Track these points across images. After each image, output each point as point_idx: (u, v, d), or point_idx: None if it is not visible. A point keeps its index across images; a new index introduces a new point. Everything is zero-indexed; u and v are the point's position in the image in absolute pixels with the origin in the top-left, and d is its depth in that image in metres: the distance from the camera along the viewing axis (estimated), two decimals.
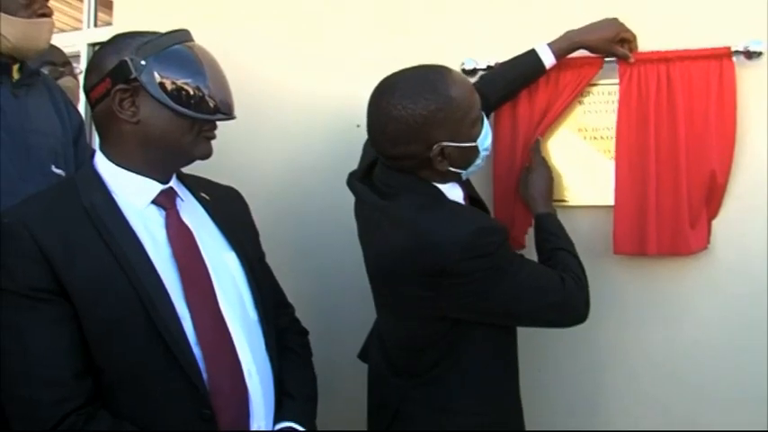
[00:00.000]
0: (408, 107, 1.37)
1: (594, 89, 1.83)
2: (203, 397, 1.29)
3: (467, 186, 1.59)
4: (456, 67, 1.69)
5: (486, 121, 1.49)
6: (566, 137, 1.85)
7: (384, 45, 1.92)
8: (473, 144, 1.45)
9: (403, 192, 1.45)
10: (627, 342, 1.85)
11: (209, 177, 1.57)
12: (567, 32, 1.75)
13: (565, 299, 1.47)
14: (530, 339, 1.67)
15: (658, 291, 1.82)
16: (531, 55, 1.74)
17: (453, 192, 1.52)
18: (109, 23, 2.81)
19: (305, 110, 2.03)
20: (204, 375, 1.29)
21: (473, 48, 1.81)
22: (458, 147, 1.42)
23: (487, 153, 1.52)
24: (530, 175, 1.75)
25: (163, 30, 1.35)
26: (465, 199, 1.57)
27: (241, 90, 1.88)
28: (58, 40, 2.46)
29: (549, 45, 1.74)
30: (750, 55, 1.67)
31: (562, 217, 1.72)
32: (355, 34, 1.99)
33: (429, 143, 1.39)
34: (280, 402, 1.45)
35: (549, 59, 1.73)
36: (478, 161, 1.49)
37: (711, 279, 1.78)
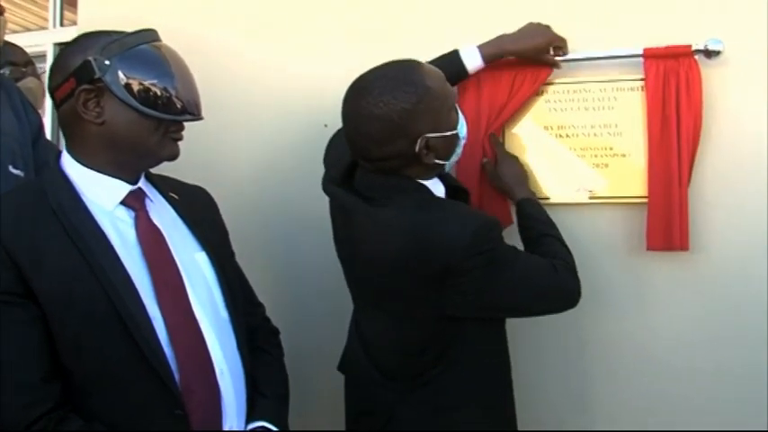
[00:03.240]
0: (390, 103, 1.36)
1: (559, 87, 1.84)
2: (175, 397, 1.28)
3: (446, 177, 1.59)
4: None
5: (458, 110, 1.49)
6: (534, 135, 1.87)
7: (352, 43, 1.91)
8: (454, 132, 1.45)
9: (392, 195, 1.43)
10: (615, 337, 1.86)
11: (179, 177, 1.56)
12: (500, 37, 1.76)
13: (559, 285, 1.49)
14: (516, 336, 1.67)
15: (644, 286, 1.83)
16: (454, 57, 1.74)
17: (437, 188, 1.51)
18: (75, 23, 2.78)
19: (274, 109, 2.01)
20: (176, 376, 1.29)
21: (440, 47, 1.79)
22: (441, 137, 1.42)
23: (465, 141, 1.51)
24: (499, 166, 1.76)
25: (129, 29, 1.35)
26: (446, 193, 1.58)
27: (210, 89, 1.86)
28: (23, 40, 2.44)
29: (480, 48, 1.74)
30: (710, 53, 1.70)
31: (555, 215, 1.72)
32: (325, 32, 1.98)
33: (414, 137, 1.39)
34: (252, 402, 1.45)
35: (474, 63, 1.73)
36: (458, 149, 1.49)
37: (697, 275, 1.79)
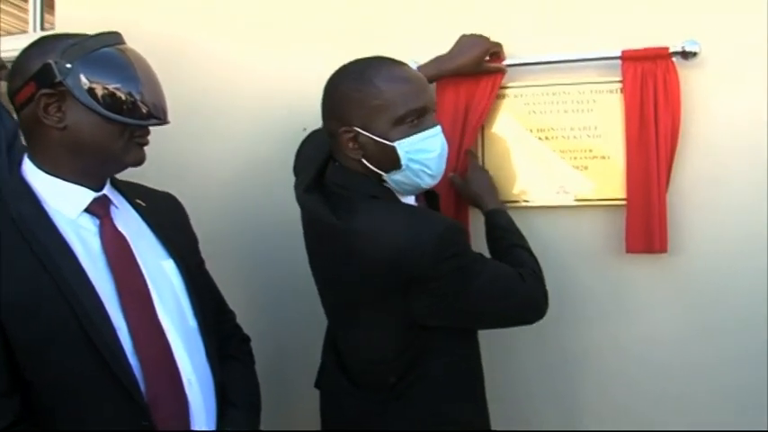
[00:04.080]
0: (335, 81, 1.41)
1: (538, 90, 1.84)
2: (142, 408, 1.26)
3: None
4: None
5: (428, 137, 1.42)
6: (514, 138, 1.86)
7: (333, 46, 1.89)
8: (388, 143, 1.39)
9: (357, 200, 1.41)
10: (595, 339, 1.86)
11: (151, 183, 1.54)
12: (437, 58, 1.76)
13: (527, 294, 1.47)
14: (496, 339, 1.68)
15: (624, 288, 1.83)
16: None
17: (404, 195, 1.50)
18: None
19: (252, 112, 2.00)
20: (142, 386, 1.27)
21: (422, 51, 1.80)
22: (371, 139, 1.39)
23: (428, 172, 1.43)
24: (470, 177, 1.75)
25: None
26: (419, 200, 1.56)
27: (186, 92, 1.91)
28: (3, 44, 2.39)
29: (419, 69, 1.71)
30: (686, 55, 1.70)
31: (523, 218, 1.73)
32: (304, 35, 1.96)
33: (343, 123, 1.39)
34: (222, 411, 1.42)
35: None
36: (406, 172, 1.42)
37: (676, 277, 1.80)
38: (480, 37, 1.76)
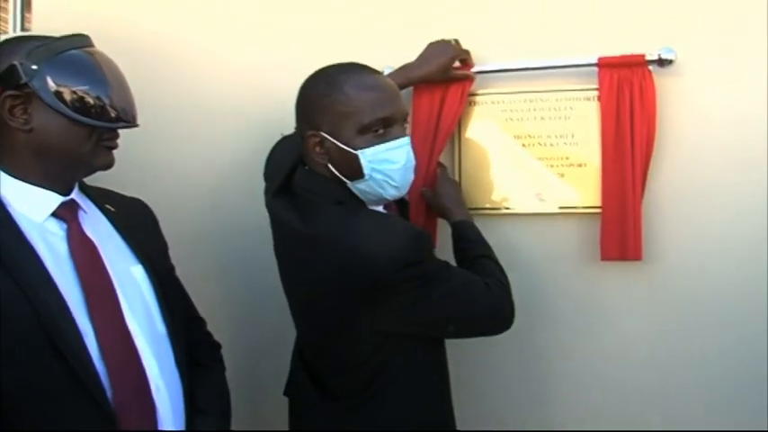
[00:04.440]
0: (307, 84, 1.42)
1: (515, 97, 1.83)
2: (108, 415, 1.24)
3: None
4: None
5: (394, 148, 1.41)
6: (490, 145, 1.86)
7: (311, 51, 1.85)
8: (352, 150, 1.38)
9: (322, 205, 1.41)
10: (569, 348, 1.86)
11: (122, 188, 1.53)
12: (404, 67, 1.75)
13: (493, 304, 1.47)
14: (472, 344, 1.68)
15: (599, 296, 1.83)
16: None
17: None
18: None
19: (228, 117, 1.97)
20: (108, 392, 1.25)
21: (402, 55, 1.79)
22: (336, 145, 1.39)
23: (391, 183, 1.42)
24: (438, 188, 1.74)
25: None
26: (391, 207, 1.56)
27: (160, 95, 1.90)
28: None
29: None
30: (663, 62, 1.69)
31: (499, 225, 1.74)
32: (282, 40, 1.94)
33: (312, 127, 1.40)
34: (191, 418, 1.41)
35: None
36: (369, 182, 1.41)
37: (651, 285, 1.79)
38: (448, 44, 1.75)
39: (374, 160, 1.38)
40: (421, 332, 1.45)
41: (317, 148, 1.40)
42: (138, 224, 1.49)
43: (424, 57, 1.75)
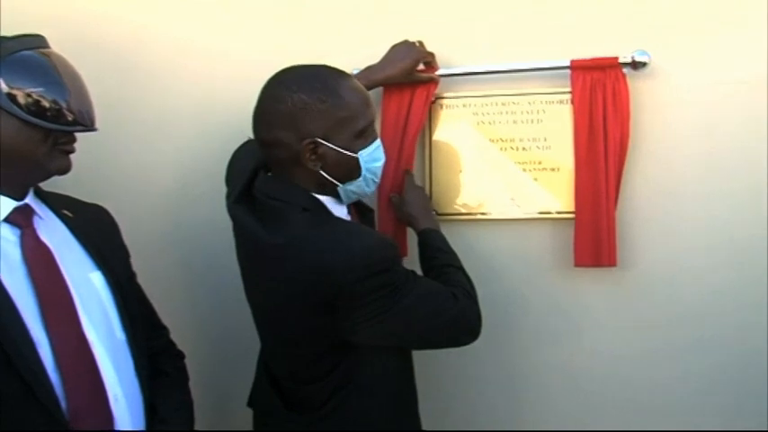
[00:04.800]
0: (292, 88, 1.35)
1: (487, 100, 1.80)
2: (63, 426, 1.22)
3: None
4: None
5: (378, 146, 1.45)
6: (462, 149, 1.83)
7: (279, 50, 1.80)
8: (352, 154, 1.39)
9: (285, 212, 1.38)
10: (543, 355, 1.84)
11: (81, 193, 1.51)
12: (367, 69, 1.72)
13: (459, 314, 1.44)
14: (443, 352, 1.67)
15: (573, 302, 1.81)
16: None
17: (336, 207, 1.46)
18: None
19: (191, 118, 1.93)
20: (63, 402, 1.23)
21: (372, 56, 1.76)
22: (333, 150, 1.37)
23: (375, 180, 1.47)
24: (405, 195, 1.72)
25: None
26: (351, 214, 1.53)
27: (121, 96, 1.87)
28: None
29: None
30: (636, 65, 1.67)
31: (471, 231, 1.73)
32: (249, 38, 1.90)
33: (303, 134, 1.35)
34: (152, 429, 1.39)
35: None
36: (361, 181, 1.43)
37: (626, 291, 1.78)
38: (411, 46, 1.72)
39: (368, 160, 1.41)
40: (386, 343, 1.42)
41: (309, 155, 1.37)
42: (97, 230, 1.46)
43: (387, 59, 1.72)
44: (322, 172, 1.39)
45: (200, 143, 1.91)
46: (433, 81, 1.76)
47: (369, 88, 1.60)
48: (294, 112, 1.34)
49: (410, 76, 1.72)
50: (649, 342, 1.77)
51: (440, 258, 1.57)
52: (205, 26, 1.90)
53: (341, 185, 1.42)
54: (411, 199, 1.70)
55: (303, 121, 1.35)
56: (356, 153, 1.39)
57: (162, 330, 1.58)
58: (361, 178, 1.42)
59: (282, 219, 1.37)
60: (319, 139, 1.35)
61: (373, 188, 1.48)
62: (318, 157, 1.37)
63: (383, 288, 1.33)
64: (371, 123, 1.42)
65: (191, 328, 1.81)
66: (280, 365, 1.50)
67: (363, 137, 1.40)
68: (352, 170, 1.41)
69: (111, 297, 1.38)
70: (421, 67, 1.76)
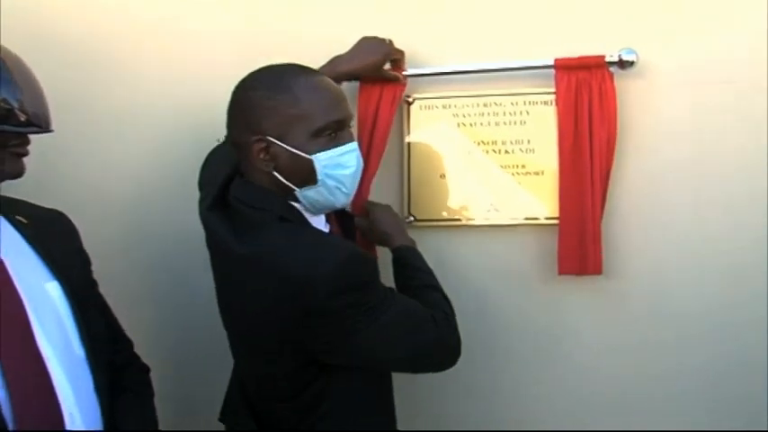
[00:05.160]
0: (247, 86, 1.35)
1: (467, 101, 1.77)
2: None
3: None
4: None
5: (346, 152, 1.36)
6: (441, 152, 1.79)
7: (247, 47, 1.78)
8: (305, 155, 1.32)
9: (258, 220, 1.34)
10: (526, 366, 1.81)
11: (40, 198, 1.45)
12: (334, 60, 1.66)
13: (438, 338, 1.38)
14: None
15: (556, 312, 1.78)
16: None
17: (314, 216, 1.42)
18: None
19: (159, 120, 1.88)
20: (10, 422, 1.16)
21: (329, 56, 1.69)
22: (286, 150, 1.32)
23: (343, 191, 1.38)
24: (372, 215, 1.64)
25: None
26: (333, 224, 1.49)
27: (84, 97, 1.84)
28: None
29: None
30: (623, 64, 1.64)
31: (450, 238, 1.72)
32: (216, 37, 1.86)
33: (255, 132, 1.32)
34: None
35: None
36: (321, 188, 1.35)
37: (611, 301, 1.76)
38: (381, 42, 1.68)
39: (328, 165, 1.33)
40: (356, 365, 1.37)
41: (262, 155, 1.33)
42: (54, 237, 1.40)
43: (355, 51, 1.67)
44: (275, 173, 1.34)
45: (166, 145, 1.87)
46: (401, 83, 1.72)
47: (337, 81, 1.56)
48: (246, 109, 1.33)
49: (377, 71, 1.68)
50: (636, 354, 1.75)
51: (417, 278, 1.51)
52: (170, 21, 1.86)
53: (298, 190, 1.36)
54: (380, 216, 1.63)
55: (255, 118, 1.32)
56: (310, 155, 1.32)
57: (125, 343, 1.52)
58: (320, 185, 1.35)
59: (256, 228, 1.33)
60: (270, 138, 1.31)
61: (343, 200, 1.39)
62: (271, 157, 1.33)
63: (358, 305, 1.27)
64: (337, 125, 1.34)
65: (156, 341, 1.75)
66: (252, 381, 1.45)
67: (322, 138, 1.33)
68: (306, 174, 1.34)
69: (68, 309, 1.32)
70: (387, 66, 1.72)
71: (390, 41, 1.70)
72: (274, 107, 1.31)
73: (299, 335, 1.29)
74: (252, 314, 1.33)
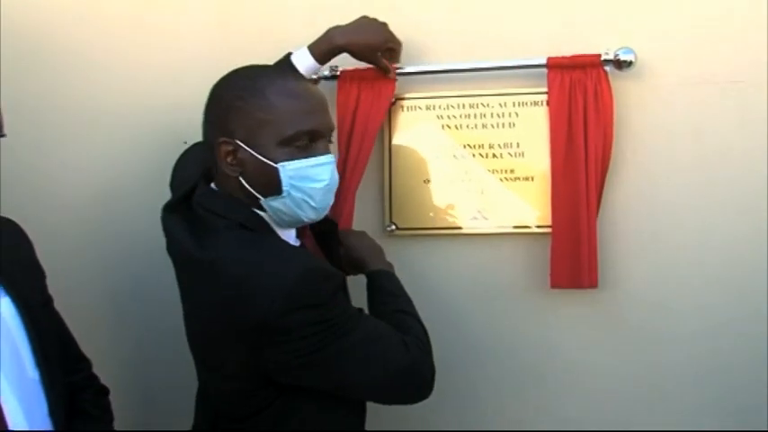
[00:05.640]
0: (221, 86, 1.31)
1: (453, 101, 1.72)
2: None
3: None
4: None
5: (319, 165, 1.28)
6: (424, 156, 1.74)
7: (215, 48, 1.74)
8: (271, 163, 1.25)
9: (219, 227, 1.27)
10: (515, 383, 1.77)
11: None
12: (330, 31, 1.61)
13: (409, 366, 1.30)
14: None
15: (548, 328, 1.74)
16: (285, 61, 1.60)
17: (284, 228, 1.35)
18: None
19: (121, 121, 1.81)
20: None
21: None
22: (252, 156, 1.25)
23: (312, 205, 1.30)
24: (346, 241, 1.57)
25: None
26: (305, 237, 1.42)
27: (35, 95, 1.78)
28: None
29: (310, 48, 1.59)
30: (620, 64, 1.60)
31: (433, 247, 1.68)
32: (183, 35, 1.79)
33: (224, 134, 1.26)
34: None
35: (306, 64, 1.59)
36: (286, 200, 1.28)
37: (608, 316, 1.71)
38: (382, 25, 1.63)
39: (295, 176, 1.26)
40: (314, 387, 1.29)
41: (229, 158, 1.27)
42: (6, 249, 1.33)
43: (353, 26, 1.61)
44: (241, 179, 1.28)
45: (128, 148, 1.82)
46: (390, 77, 1.67)
47: (331, 53, 1.56)
48: (218, 110, 1.29)
49: (372, 55, 1.63)
50: (634, 373, 1.71)
51: (391, 303, 1.43)
52: (133, 17, 1.81)
53: (263, 200, 1.29)
54: (354, 243, 1.56)
55: (225, 120, 1.27)
56: (276, 163, 1.25)
57: (83, 363, 1.46)
58: (285, 195, 1.28)
59: (216, 234, 1.26)
60: (237, 141, 1.25)
61: (312, 215, 1.31)
62: (238, 162, 1.27)
63: (316, 324, 1.20)
64: (310, 135, 1.27)
65: (117, 360, 1.71)
66: (214, 399, 1.38)
67: (291, 147, 1.26)
68: (272, 183, 1.27)
69: (21, 327, 1.26)
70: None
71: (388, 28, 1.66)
72: (244, 109, 1.25)
73: (252, 351, 1.22)
74: (206, 324, 1.28)
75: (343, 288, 1.28)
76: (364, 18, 1.63)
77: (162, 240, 1.39)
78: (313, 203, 1.29)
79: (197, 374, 1.43)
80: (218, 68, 1.34)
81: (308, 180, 1.27)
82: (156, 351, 1.84)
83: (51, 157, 1.82)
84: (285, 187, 1.26)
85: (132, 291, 1.85)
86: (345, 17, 1.67)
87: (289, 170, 1.25)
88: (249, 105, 1.25)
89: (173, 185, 1.51)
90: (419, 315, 1.43)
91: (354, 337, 1.24)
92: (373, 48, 1.61)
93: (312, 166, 1.27)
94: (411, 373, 1.31)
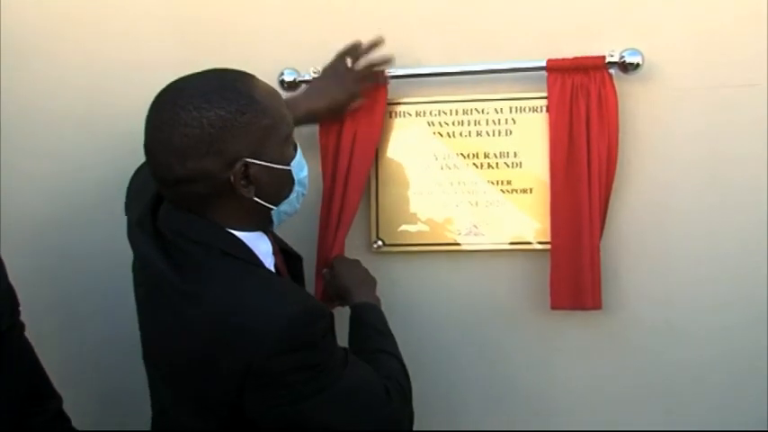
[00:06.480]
0: (203, 107, 1.11)
1: (445, 107, 1.65)
2: None
3: (275, 237, 1.35)
4: (273, 80, 1.54)
5: (300, 151, 1.27)
6: (415, 166, 1.67)
7: (182, 49, 1.66)
8: (284, 167, 1.20)
9: (199, 255, 1.17)
10: (513, 410, 1.71)
11: None
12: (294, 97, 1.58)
13: (390, 416, 1.25)
14: None
15: (548, 351, 1.68)
16: None
17: (261, 244, 1.25)
18: None
19: (74, 129, 1.73)
20: None
21: (293, 57, 1.62)
22: (266, 167, 1.16)
23: (304, 193, 1.29)
24: (336, 268, 1.55)
25: None
26: (275, 253, 1.32)
27: None
28: None
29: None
30: (626, 67, 1.53)
31: (423, 264, 1.65)
32: (146, 34, 1.71)
33: (229, 158, 1.12)
34: None
35: None
36: (293, 197, 1.25)
37: (612, 339, 1.66)
38: (347, 75, 1.58)
39: (298, 170, 1.26)
40: None
41: (243, 182, 1.16)
42: None
43: (315, 91, 1.58)
44: (256, 198, 1.18)
45: (85, 156, 1.73)
46: (381, 82, 1.61)
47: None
48: (213, 133, 1.12)
49: (340, 109, 1.59)
50: (638, 396, 1.66)
51: (373, 340, 1.37)
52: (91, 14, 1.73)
53: (275, 209, 1.24)
54: (343, 270, 1.52)
55: (226, 141, 1.12)
56: (288, 165, 1.21)
57: (51, 400, 1.36)
58: (293, 194, 1.26)
59: (195, 264, 1.16)
60: (249, 159, 1.14)
61: (297, 206, 1.30)
62: (250, 180, 1.16)
63: (305, 369, 1.12)
64: (292, 126, 1.25)
65: (81, 392, 1.60)
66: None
67: (289, 143, 1.23)
68: (284, 187, 1.24)
69: None
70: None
71: (366, 49, 1.58)
72: (248, 122, 1.14)
73: (232, 393, 1.13)
74: (180, 356, 1.17)
75: (331, 326, 1.20)
76: (325, 72, 1.59)
77: (121, 258, 1.31)
78: (304, 192, 1.30)
79: (152, 403, 1.34)
80: (172, 68, 1.24)
81: (303, 170, 1.27)
82: (119, 379, 1.73)
83: (10, 165, 1.74)
84: (295, 185, 1.25)
85: (87, 313, 1.77)
86: (330, 16, 1.62)
87: (295, 166, 1.24)
88: (250, 117, 1.14)
89: (128, 207, 1.38)
90: (401, 355, 1.37)
91: (339, 386, 1.16)
92: (342, 105, 1.58)
93: (301, 155, 1.27)
94: (391, 422, 1.25)
